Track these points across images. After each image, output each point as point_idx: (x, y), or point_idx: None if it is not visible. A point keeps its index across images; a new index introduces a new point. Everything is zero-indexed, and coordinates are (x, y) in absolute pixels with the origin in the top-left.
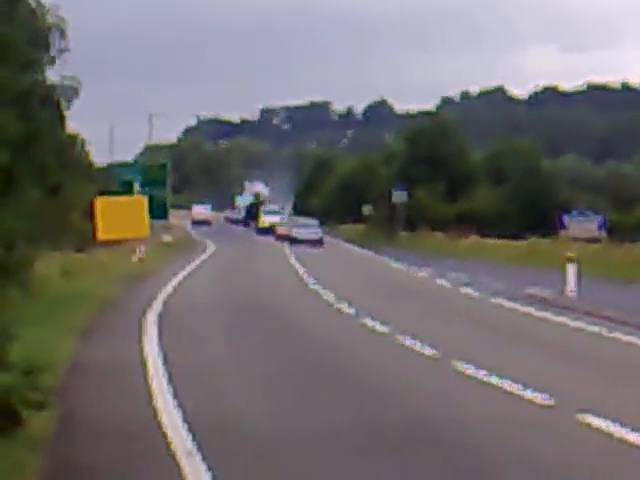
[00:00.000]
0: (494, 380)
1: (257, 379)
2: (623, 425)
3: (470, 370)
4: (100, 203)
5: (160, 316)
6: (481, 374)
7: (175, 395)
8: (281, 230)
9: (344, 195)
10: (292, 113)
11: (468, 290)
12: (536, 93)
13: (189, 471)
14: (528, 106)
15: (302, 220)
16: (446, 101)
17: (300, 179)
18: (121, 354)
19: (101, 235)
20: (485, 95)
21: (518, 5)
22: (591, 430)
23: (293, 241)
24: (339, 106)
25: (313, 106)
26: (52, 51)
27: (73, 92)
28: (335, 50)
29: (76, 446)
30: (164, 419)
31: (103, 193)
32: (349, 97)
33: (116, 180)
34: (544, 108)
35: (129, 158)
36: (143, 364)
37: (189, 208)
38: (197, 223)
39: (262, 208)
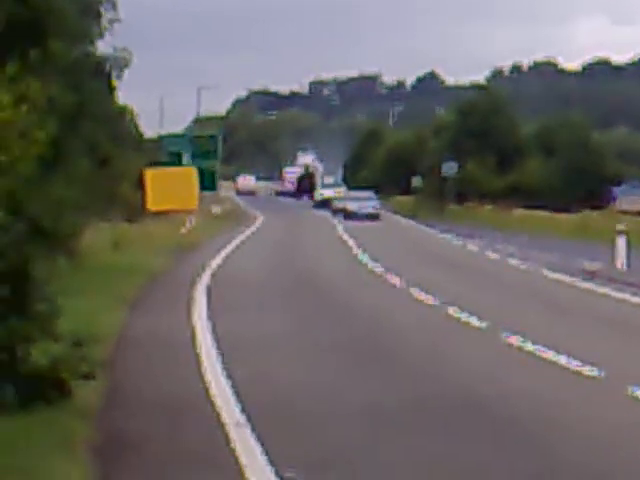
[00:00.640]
0: (543, 352)
1: (307, 352)
2: None
3: (519, 342)
4: (150, 174)
5: (209, 288)
6: (530, 346)
7: (224, 366)
8: (337, 204)
9: (393, 167)
10: (341, 86)
11: (518, 262)
12: (588, 65)
13: (238, 442)
14: (579, 79)
15: (358, 193)
16: (496, 73)
17: (349, 151)
18: (170, 325)
19: (150, 206)
20: (536, 68)
21: None
22: None
23: (348, 216)
24: (389, 78)
25: (362, 78)
26: (103, 21)
27: (124, 63)
28: (384, 22)
29: (124, 416)
30: (213, 389)
31: (153, 164)
32: (398, 70)
33: (165, 151)
34: (595, 81)
35: (179, 130)
36: (192, 335)
37: None
38: (241, 194)
39: (316, 181)
